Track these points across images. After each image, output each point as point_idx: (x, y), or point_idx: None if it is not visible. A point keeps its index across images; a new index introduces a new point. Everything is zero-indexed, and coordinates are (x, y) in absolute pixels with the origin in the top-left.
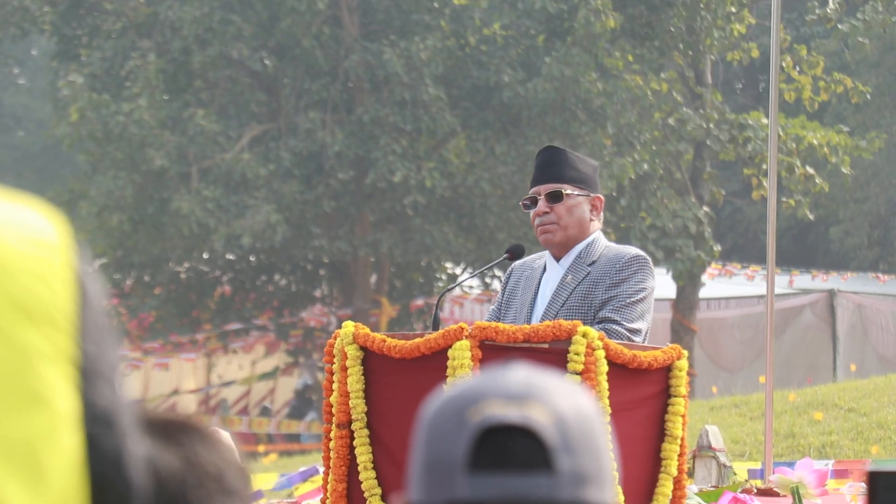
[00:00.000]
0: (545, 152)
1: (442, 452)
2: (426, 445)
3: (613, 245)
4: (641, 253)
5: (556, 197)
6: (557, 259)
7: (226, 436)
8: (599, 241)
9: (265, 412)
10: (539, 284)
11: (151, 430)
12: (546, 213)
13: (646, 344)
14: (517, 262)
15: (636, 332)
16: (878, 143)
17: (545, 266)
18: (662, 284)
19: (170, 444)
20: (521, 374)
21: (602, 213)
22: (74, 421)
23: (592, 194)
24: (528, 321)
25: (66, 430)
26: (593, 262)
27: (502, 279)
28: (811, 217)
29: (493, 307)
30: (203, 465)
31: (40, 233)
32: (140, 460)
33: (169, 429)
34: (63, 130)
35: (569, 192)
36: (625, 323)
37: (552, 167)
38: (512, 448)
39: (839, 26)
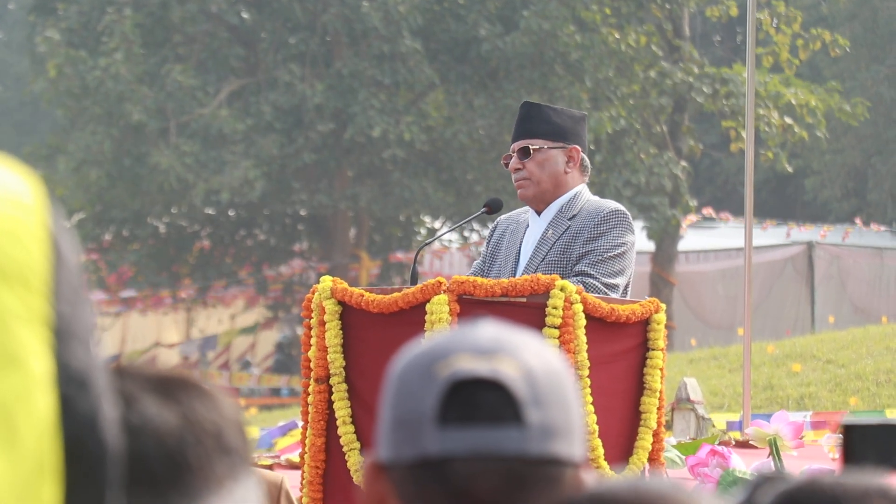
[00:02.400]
0: (521, 108)
1: (411, 408)
2: (395, 401)
3: (595, 199)
4: (621, 207)
5: (524, 153)
6: (539, 213)
7: None
8: (583, 194)
9: (246, 366)
10: (522, 239)
11: (149, 387)
12: (518, 169)
13: (626, 298)
14: (503, 216)
15: (612, 287)
16: (860, 110)
17: (528, 221)
18: (640, 238)
19: (168, 402)
20: (489, 330)
21: (584, 164)
22: (48, 382)
23: (568, 145)
24: (513, 275)
25: (39, 391)
26: (574, 216)
27: (488, 232)
28: (790, 170)
29: (478, 261)
30: (201, 422)
31: (14, 192)
32: (114, 422)
33: (167, 386)
34: (41, 86)
35: (536, 146)
36: (601, 277)
37: (525, 123)
38: (481, 401)
39: None
